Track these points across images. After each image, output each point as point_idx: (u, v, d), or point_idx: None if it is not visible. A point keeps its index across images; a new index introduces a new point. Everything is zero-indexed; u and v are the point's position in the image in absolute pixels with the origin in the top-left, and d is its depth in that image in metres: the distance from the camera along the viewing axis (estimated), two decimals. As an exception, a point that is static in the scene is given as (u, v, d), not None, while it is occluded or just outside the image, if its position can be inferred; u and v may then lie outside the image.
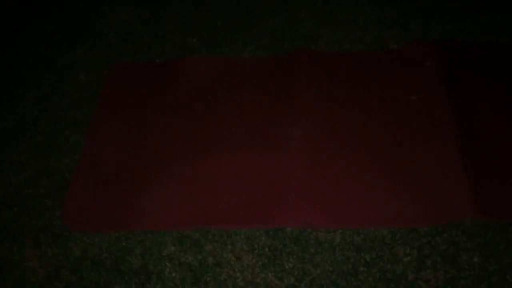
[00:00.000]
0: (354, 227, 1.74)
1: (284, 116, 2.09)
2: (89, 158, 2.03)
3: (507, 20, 2.37)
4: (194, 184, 1.90)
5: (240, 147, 2.00)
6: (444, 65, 2.16)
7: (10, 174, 2.01)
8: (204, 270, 1.66)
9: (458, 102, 2.02)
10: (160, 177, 1.93)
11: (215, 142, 2.03)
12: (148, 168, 1.97)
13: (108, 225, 1.82)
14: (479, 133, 1.92)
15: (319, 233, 1.74)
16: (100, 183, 1.95)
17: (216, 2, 2.73)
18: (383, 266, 1.63)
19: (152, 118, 2.17)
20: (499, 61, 2.16)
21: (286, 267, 1.66)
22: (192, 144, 2.04)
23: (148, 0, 2.78)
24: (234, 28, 2.57)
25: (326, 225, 1.75)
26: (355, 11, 2.56)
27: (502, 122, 1.94)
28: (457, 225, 1.70)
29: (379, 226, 1.73)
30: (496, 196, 1.73)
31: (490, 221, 1.68)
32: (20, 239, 1.79)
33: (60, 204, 1.88)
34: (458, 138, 1.89)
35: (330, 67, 2.29)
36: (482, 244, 1.64)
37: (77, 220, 1.84)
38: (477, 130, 1.93)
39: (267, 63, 2.36)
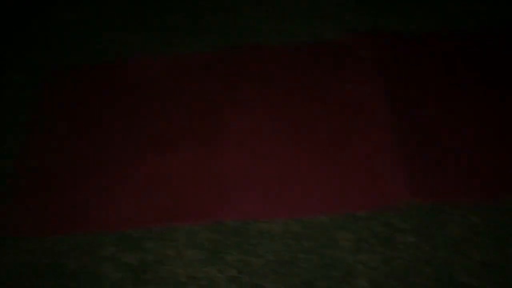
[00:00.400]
0: (295, 216, 1.76)
1: (226, 110, 2.10)
2: (28, 162, 1.98)
3: (437, 11, 2.46)
4: (135, 184, 1.87)
5: (182, 144, 1.99)
6: (378, 54, 2.22)
7: None
8: (144, 269, 1.64)
9: (392, 90, 2.08)
10: (101, 178, 1.90)
11: (158, 141, 2.02)
12: (89, 170, 1.93)
13: (47, 229, 1.77)
14: (413, 118, 1.97)
15: (260, 224, 1.74)
16: (39, 187, 1.89)
17: (155, 0, 2.71)
18: (323, 252, 1.66)
19: (92, 119, 2.13)
20: (429, 49, 2.23)
21: (228, 259, 1.66)
22: (133, 144, 2.01)
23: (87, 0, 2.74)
24: (173, 25, 2.56)
25: (267, 216, 1.76)
26: (293, 3, 2.60)
27: (433, 107, 2.00)
28: (393, 208, 1.74)
29: (319, 214, 1.75)
30: (429, 177, 1.78)
31: (424, 202, 1.73)
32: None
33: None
34: (393, 124, 1.95)
35: (270, 60, 2.32)
36: (417, 224, 1.69)
37: (13, 226, 1.78)
38: (411, 115, 1.98)
39: (209, 58, 2.36)
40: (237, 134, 1.99)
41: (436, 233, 1.67)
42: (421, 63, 2.20)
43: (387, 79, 2.12)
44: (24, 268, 1.65)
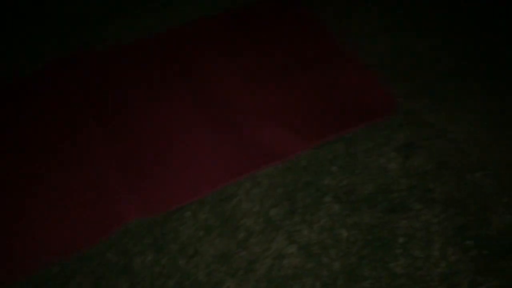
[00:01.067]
0: (24, 274, 1.56)
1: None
2: None
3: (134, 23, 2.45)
4: None
5: None
6: (80, 77, 2.12)
7: None
8: None
9: (102, 113, 1.98)
10: None
11: None
12: None
13: None
14: (125, 137, 1.91)
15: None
16: None
17: None
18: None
19: None
20: (126, 60, 2.20)
21: None
22: None
23: None
24: None
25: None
26: None
27: (146, 120, 1.96)
28: (125, 232, 1.66)
29: (49, 261, 1.58)
30: (149, 191, 1.74)
31: (153, 217, 1.69)
32: None
33: None
34: (109, 151, 1.86)
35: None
36: (151, 242, 1.64)
37: None
38: (124, 136, 1.91)
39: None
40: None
41: (170, 243, 1.64)
42: (119, 77, 2.14)
43: (92, 103, 2.03)
44: None
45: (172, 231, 1.67)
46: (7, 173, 1.81)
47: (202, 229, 1.66)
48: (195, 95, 2.01)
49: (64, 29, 2.40)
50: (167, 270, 1.58)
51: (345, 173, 1.76)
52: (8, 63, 2.26)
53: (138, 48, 2.24)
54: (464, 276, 1.47)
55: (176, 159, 1.82)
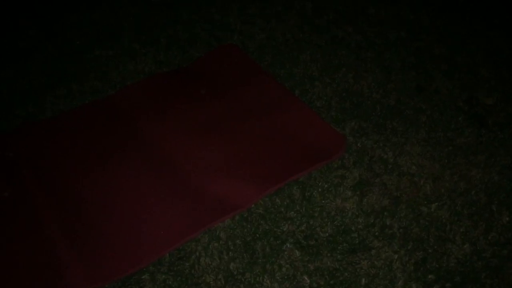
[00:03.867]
0: None
1: None
2: None
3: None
4: None
5: None
6: (25, 149, 2.05)
7: None
8: None
9: (49, 183, 1.91)
10: None
11: None
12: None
13: None
14: (70, 210, 1.83)
15: None
16: None
17: None
18: None
19: None
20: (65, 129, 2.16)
21: None
22: None
23: None
24: None
25: None
26: None
27: (95, 185, 1.89)
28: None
29: None
30: (103, 259, 1.67)
31: (109, 284, 1.62)
32: None
33: None
34: (56, 220, 1.78)
35: None
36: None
37: None
38: (72, 208, 1.83)
39: None
40: None
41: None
42: (63, 146, 2.08)
43: (40, 171, 1.96)
44: None
45: (128, 298, 1.60)
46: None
47: (163, 292, 1.60)
48: (143, 155, 1.98)
49: (10, 101, 2.35)
50: None
51: (303, 218, 1.75)
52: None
53: (84, 112, 2.21)
54: (429, 312, 1.46)
55: (129, 222, 1.76)
